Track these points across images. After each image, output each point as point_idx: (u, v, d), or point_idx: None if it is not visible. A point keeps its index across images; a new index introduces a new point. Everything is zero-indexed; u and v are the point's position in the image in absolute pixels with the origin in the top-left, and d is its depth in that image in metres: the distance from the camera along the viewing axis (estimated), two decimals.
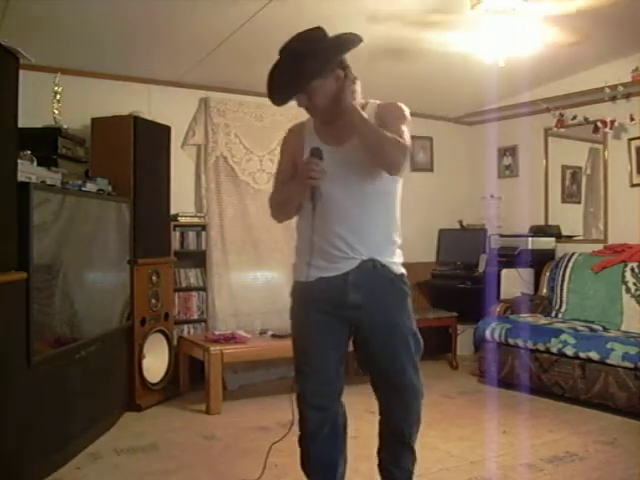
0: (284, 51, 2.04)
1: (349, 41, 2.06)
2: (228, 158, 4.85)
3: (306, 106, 2.10)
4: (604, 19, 3.76)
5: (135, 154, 4.00)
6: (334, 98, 2.04)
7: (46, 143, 3.47)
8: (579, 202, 5.39)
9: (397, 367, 2.15)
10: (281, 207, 2.23)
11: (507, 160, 5.90)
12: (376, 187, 2.08)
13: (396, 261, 2.16)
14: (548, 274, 5.09)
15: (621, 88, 4.65)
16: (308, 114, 2.17)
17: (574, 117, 5.12)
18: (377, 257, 2.08)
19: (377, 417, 2.33)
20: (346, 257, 2.07)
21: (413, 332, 2.17)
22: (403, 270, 2.17)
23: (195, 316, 4.74)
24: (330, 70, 2.04)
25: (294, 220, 2.27)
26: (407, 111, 2.11)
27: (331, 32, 2.09)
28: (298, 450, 2.30)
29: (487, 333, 4.61)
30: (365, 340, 2.18)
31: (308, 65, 1.98)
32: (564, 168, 5.46)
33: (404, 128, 2.05)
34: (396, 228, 2.18)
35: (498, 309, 4.86)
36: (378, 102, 2.16)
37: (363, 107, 2.10)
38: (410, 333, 2.16)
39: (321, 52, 2.00)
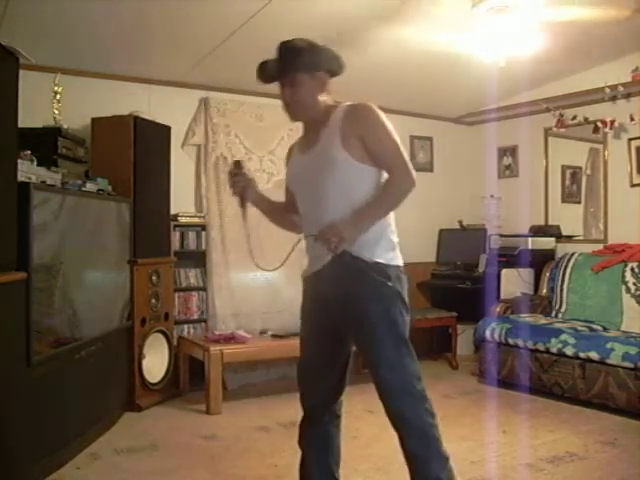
0: (285, 43, 2.11)
1: (340, 64, 2.15)
2: (228, 158, 4.84)
3: (288, 100, 2.12)
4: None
5: (135, 154, 3.99)
6: (312, 102, 2.11)
7: (46, 143, 3.47)
8: (579, 202, 5.39)
9: (370, 361, 2.08)
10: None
11: (507, 160, 5.90)
12: (338, 187, 2.06)
13: (370, 250, 2.04)
14: (548, 274, 5.09)
15: (621, 88, 4.64)
16: (287, 114, 2.17)
17: (574, 117, 5.12)
18: (348, 249, 2.02)
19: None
20: (321, 253, 2.05)
21: (389, 323, 2.03)
22: (381, 260, 2.05)
23: (195, 316, 4.73)
24: (317, 70, 2.09)
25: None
26: (379, 113, 2.08)
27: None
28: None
29: (487, 333, 4.61)
30: (349, 333, 2.14)
31: (301, 57, 2.08)
32: (564, 168, 5.46)
33: (390, 142, 2.05)
34: None
35: (498, 309, 4.85)
36: (349, 103, 2.13)
37: (330, 111, 2.11)
38: (384, 324, 2.03)
39: (317, 52, 2.10)
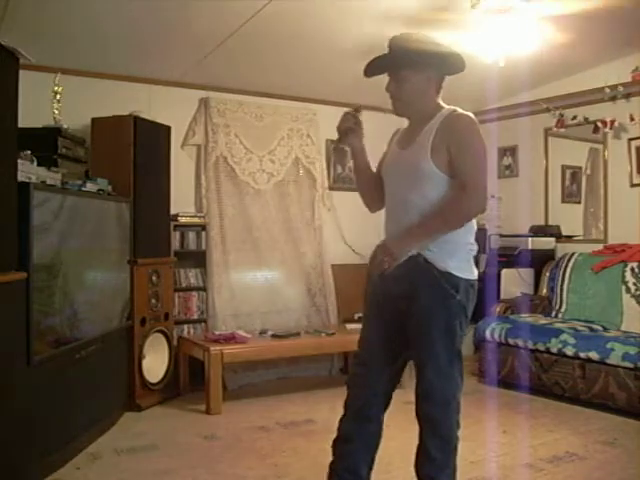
0: (395, 38, 2.13)
1: (456, 63, 2.15)
2: (228, 158, 4.85)
3: (392, 94, 2.16)
4: (604, 18, 3.76)
5: (135, 154, 3.99)
6: (416, 99, 2.12)
7: (46, 143, 3.46)
8: (579, 202, 5.39)
9: (421, 363, 2.12)
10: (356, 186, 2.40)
11: (507, 160, 5.89)
12: (420, 194, 2.07)
13: (444, 260, 2.06)
14: (548, 274, 5.09)
15: (621, 88, 4.65)
16: (392, 107, 2.20)
17: (574, 117, 5.12)
18: (423, 253, 2.05)
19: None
20: None
21: (448, 336, 2.07)
22: (454, 271, 2.06)
23: (195, 316, 4.73)
24: (424, 68, 2.10)
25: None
26: (474, 127, 2.06)
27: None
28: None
29: (487, 333, 4.61)
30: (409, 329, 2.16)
31: (408, 53, 2.08)
32: (564, 168, 5.46)
33: (471, 159, 2.02)
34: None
35: (498, 309, 4.85)
36: (451, 110, 2.11)
37: (435, 112, 2.11)
38: (442, 335, 2.06)
39: (427, 49, 2.10)
